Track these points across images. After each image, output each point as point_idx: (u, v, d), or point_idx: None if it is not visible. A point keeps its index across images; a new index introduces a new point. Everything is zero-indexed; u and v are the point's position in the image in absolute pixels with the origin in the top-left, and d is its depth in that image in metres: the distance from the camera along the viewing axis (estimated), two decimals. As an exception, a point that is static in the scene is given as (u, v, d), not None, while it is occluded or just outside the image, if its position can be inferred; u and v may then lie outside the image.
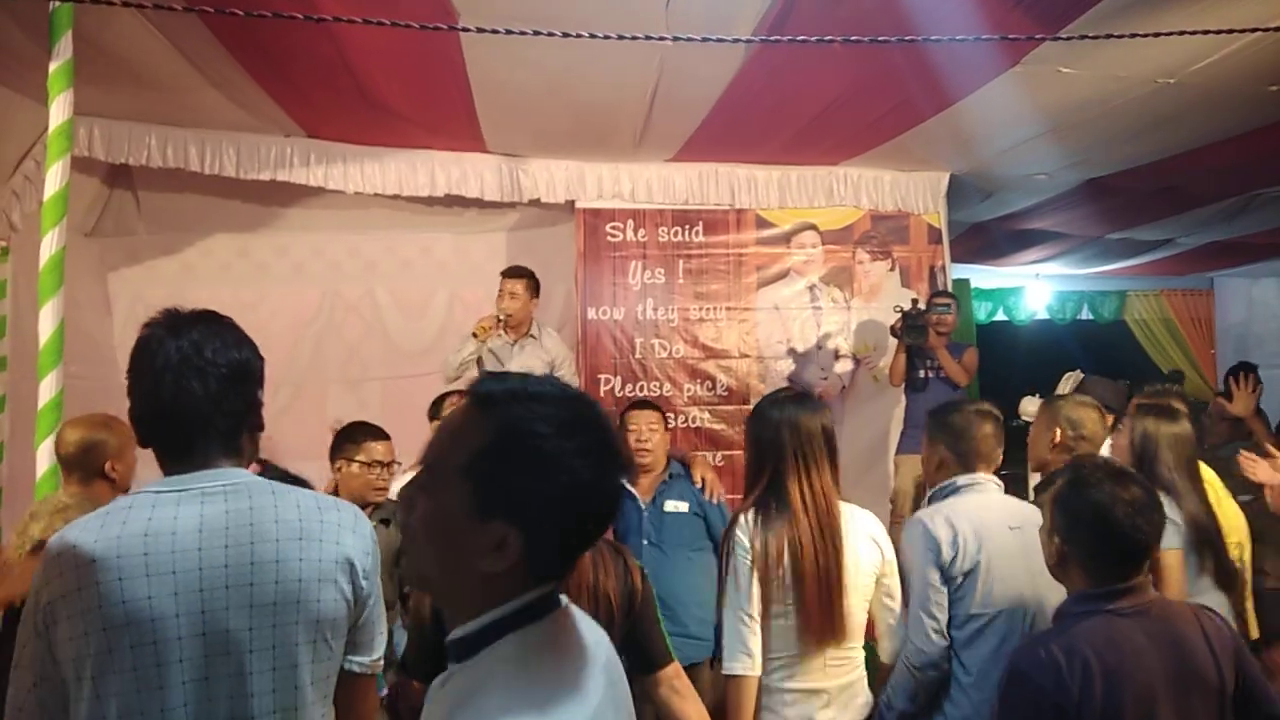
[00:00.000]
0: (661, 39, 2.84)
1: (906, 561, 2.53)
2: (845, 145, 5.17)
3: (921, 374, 5.17)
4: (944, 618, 2.43)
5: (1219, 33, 2.94)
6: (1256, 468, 3.29)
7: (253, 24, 3.05)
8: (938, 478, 2.70)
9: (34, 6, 2.86)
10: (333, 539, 1.49)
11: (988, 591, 2.42)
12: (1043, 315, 9.92)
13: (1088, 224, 6.79)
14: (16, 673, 1.37)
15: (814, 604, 2.31)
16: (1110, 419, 3.18)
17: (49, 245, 2.89)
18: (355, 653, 1.57)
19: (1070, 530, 1.89)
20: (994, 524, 2.49)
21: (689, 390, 5.50)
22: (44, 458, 2.94)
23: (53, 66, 2.87)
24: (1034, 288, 9.71)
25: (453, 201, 5.33)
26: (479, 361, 4.63)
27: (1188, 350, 9.60)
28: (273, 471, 2.12)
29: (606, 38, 2.54)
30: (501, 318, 4.58)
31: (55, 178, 2.91)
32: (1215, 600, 2.77)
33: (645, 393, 5.38)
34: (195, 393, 1.45)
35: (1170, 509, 2.68)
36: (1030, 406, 4.40)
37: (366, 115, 4.42)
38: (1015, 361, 8.78)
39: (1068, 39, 3.09)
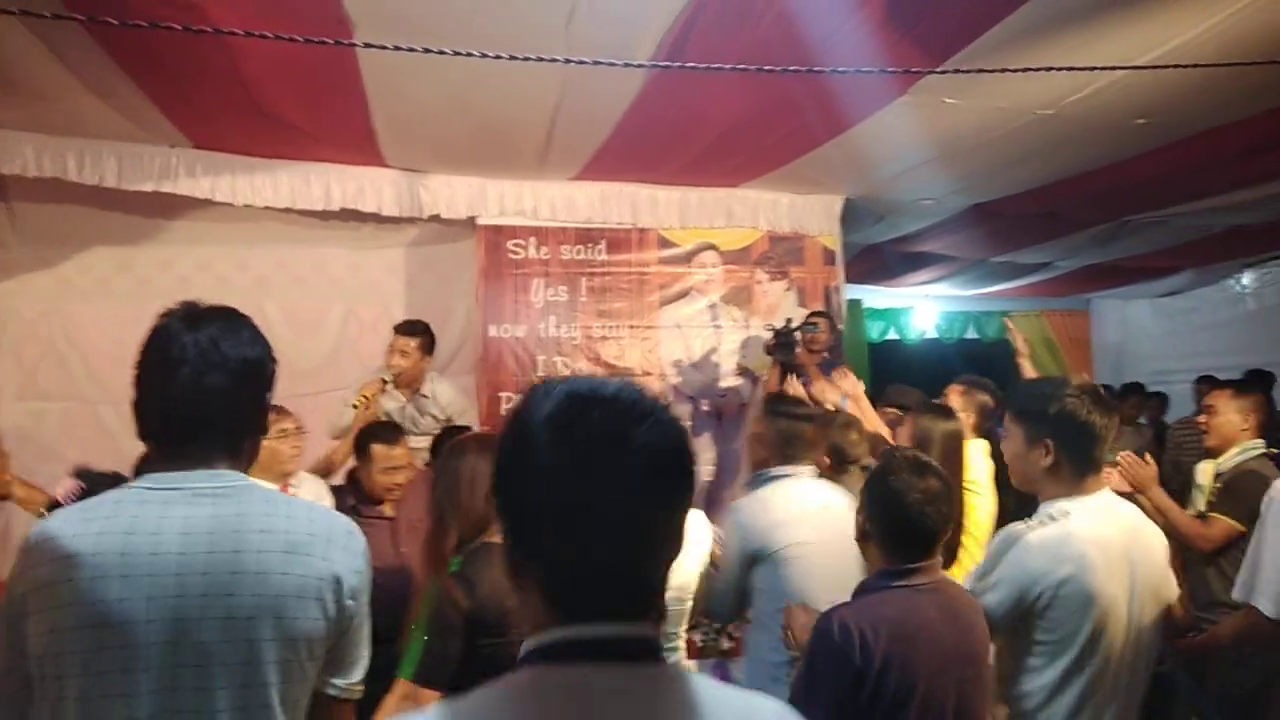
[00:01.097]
0: (554, 60, 2.84)
1: (724, 542, 2.83)
2: (744, 167, 5.27)
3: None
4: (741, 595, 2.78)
5: (1086, 69, 3.13)
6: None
7: (136, 29, 2.92)
8: (759, 465, 2.93)
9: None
10: (321, 554, 1.42)
11: (800, 562, 2.70)
12: (931, 334, 10.32)
13: (973, 247, 7.10)
14: None
15: None
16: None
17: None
18: (333, 674, 1.49)
19: (872, 511, 2.11)
20: (809, 505, 2.78)
21: (591, 408, 5.48)
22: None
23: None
24: (923, 308, 10.10)
25: (349, 216, 5.20)
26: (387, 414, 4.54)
27: (1065, 368, 10.12)
28: (89, 478, 2.02)
29: (499, 57, 2.53)
30: (388, 378, 4.49)
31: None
32: None
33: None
34: (207, 389, 1.40)
35: None
36: None
37: (258, 126, 4.28)
38: (906, 378, 9.07)
39: (949, 72, 3.23)
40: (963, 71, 3.12)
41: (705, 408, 5.69)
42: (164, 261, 5.35)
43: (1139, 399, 7.72)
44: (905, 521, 2.02)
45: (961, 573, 3.36)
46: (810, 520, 2.73)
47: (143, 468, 2.92)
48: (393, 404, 4.59)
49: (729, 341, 5.78)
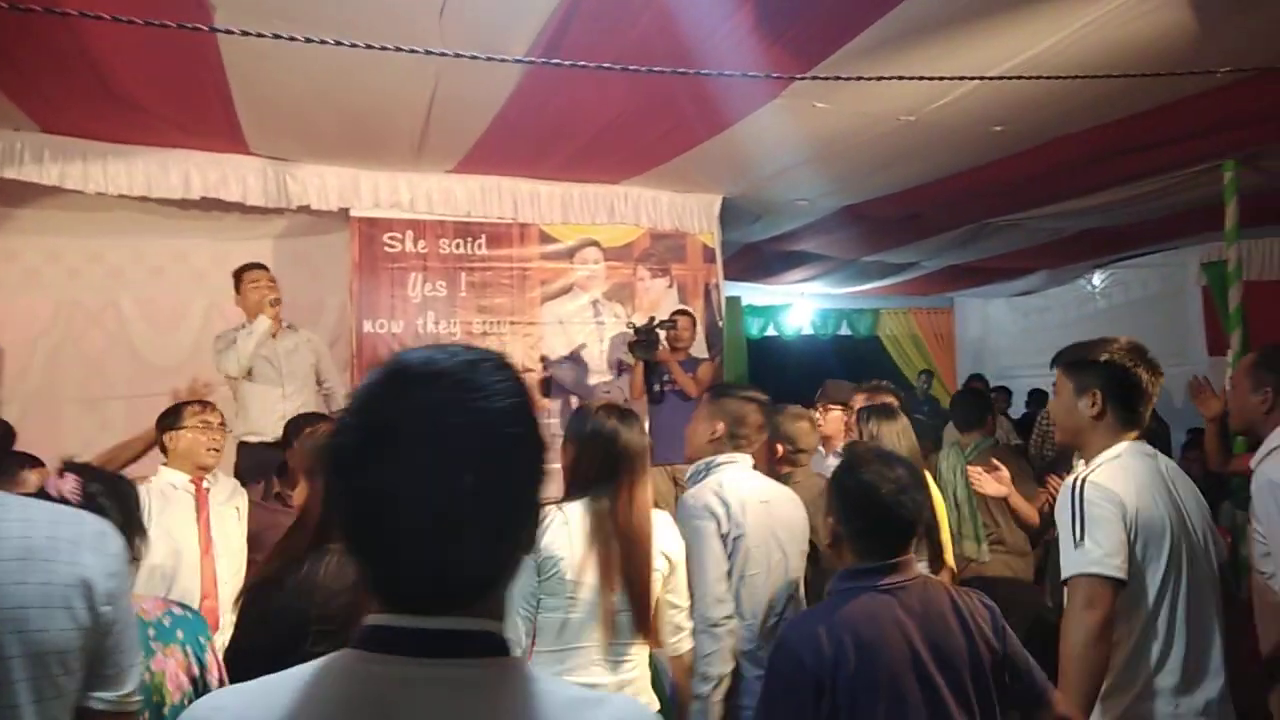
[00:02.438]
0: (415, 51, 2.78)
1: (690, 534, 2.68)
2: (625, 165, 5.30)
3: (657, 388, 5.43)
4: (729, 583, 2.67)
5: (940, 79, 3.27)
6: (983, 481, 3.74)
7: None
8: (707, 450, 2.88)
9: None
10: (67, 558, 1.31)
11: (751, 553, 2.69)
12: (808, 331, 10.64)
13: (845, 247, 7.35)
14: None
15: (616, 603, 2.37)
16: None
17: None
18: (97, 687, 1.37)
19: (843, 509, 2.04)
20: (752, 497, 2.76)
21: (471, 405, 5.41)
22: None
23: None
24: (800, 305, 10.40)
25: (211, 205, 4.96)
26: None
27: (931, 361, 10.61)
28: (88, 473, 1.85)
29: (355, 46, 2.46)
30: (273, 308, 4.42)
31: None
32: None
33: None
34: None
35: None
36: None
37: (110, 110, 4.03)
38: (784, 373, 9.34)
39: (810, 78, 3.32)
40: (822, 78, 3.23)
41: (578, 402, 5.69)
42: (8, 252, 5.01)
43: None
44: (880, 513, 1.95)
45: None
46: (753, 512, 2.71)
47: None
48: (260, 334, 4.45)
49: (609, 336, 5.80)
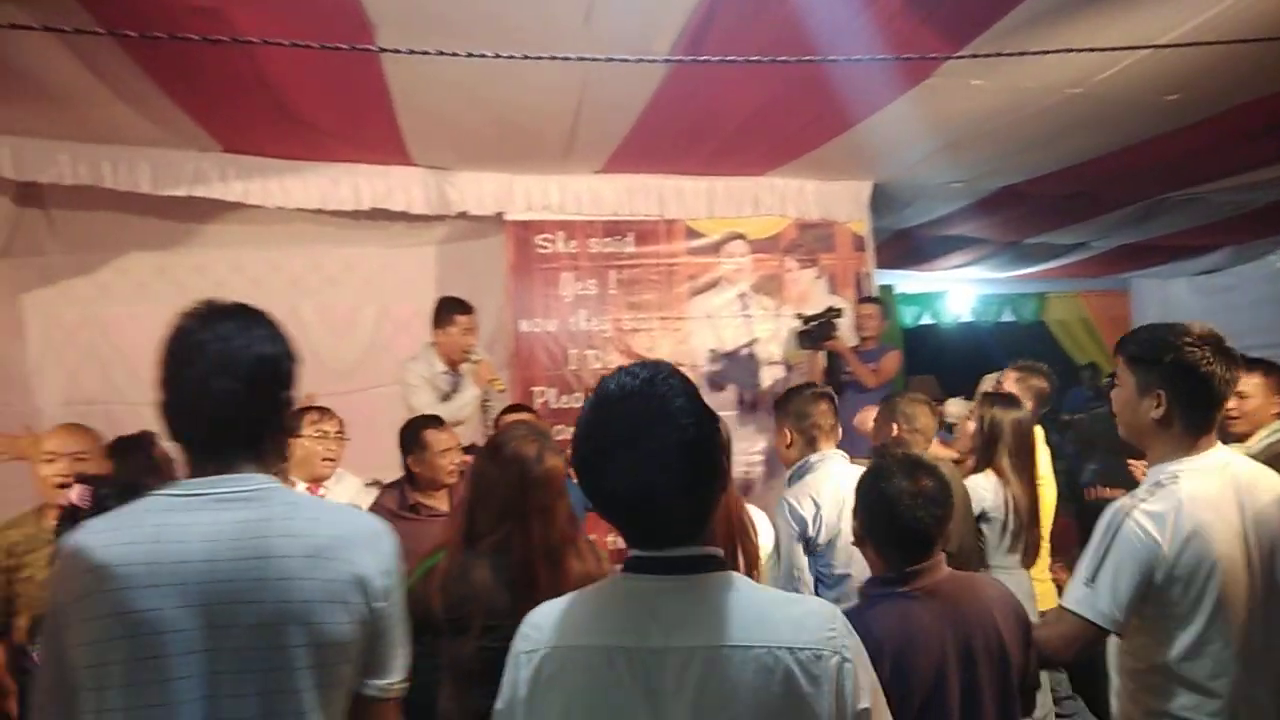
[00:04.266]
0: (567, 59, 2.84)
1: (778, 536, 2.80)
2: (769, 156, 5.24)
3: (841, 378, 5.32)
4: (809, 579, 2.79)
5: (1107, 50, 3.07)
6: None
7: (168, 43, 2.98)
8: (789, 456, 2.96)
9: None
10: (346, 556, 1.39)
11: (849, 552, 2.70)
12: (967, 318, 10.20)
13: (1006, 229, 7.00)
14: (39, 669, 1.34)
15: None
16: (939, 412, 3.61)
17: (-52, 269, 2.78)
18: (371, 676, 1.46)
19: (865, 515, 2.03)
20: (844, 493, 2.74)
21: (623, 400, 5.50)
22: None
23: (-51, 84, 2.77)
24: (958, 291, 9.98)
25: (379, 215, 5.25)
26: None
27: (1104, 348, 9.95)
28: (97, 481, 2.05)
29: (513, 57, 2.53)
30: (473, 355, 4.62)
31: (-47, 199, 2.80)
32: (1018, 576, 3.19)
33: (579, 404, 5.38)
34: (219, 391, 1.37)
35: (998, 489, 3.16)
36: (955, 408, 4.55)
37: (286, 129, 4.34)
38: (941, 363, 9.00)
39: (966, 58, 3.18)
40: (980, 56, 3.07)
41: (744, 398, 5.68)
42: (199, 265, 5.45)
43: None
44: (898, 525, 1.93)
45: (1042, 568, 3.39)
46: (848, 510, 2.72)
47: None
48: (444, 375, 4.64)
49: (760, 330, 5.77)
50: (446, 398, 4.56)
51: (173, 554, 1.32)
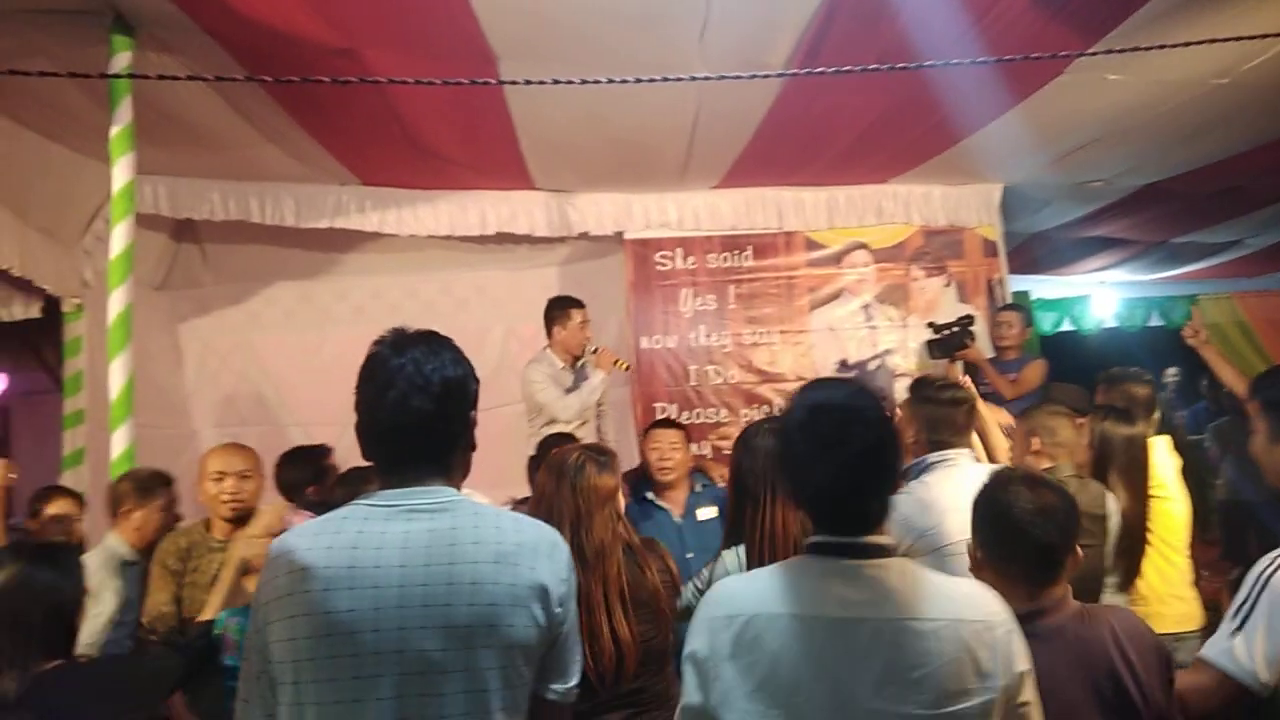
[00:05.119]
0: (680, 79, 2.86)
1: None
2: (892, 163, 5.13)
3: (981, 387, 5.08)
4: None
5: (1254, 38, 2.87)
6: None
7: (309, 85, 3.17)
8: (913, 451, 2.78)
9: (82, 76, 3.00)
10: (529, 564, 1.47)
11: (963, 560, 2.45)
12: (1111, 323, 9.64)
13: (1150, 229, 6.62)
14: (245, 660, 1.45)
15: None
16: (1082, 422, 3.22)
17: (116, 302, 3.03)
18: (551, 680, 1.53)
19: (982, 535, 1.89)
20: (964, 497, 2.51)
21: (745, 415, 5.47)
22: (119, 506, 3.06)
23: (113, 131, 3.02)
24: (1100, 295, 9.46)
25: (504, 239, 5.43)
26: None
27: (1264, 352, 9.23)
28: (320, 509, 2.16)
29: (625, 81, 2.57)
30: (590, 346, 4.69)
31: (120, 237, 3.05)
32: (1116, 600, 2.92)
33: (701, 420, 5.39)
34: (414, 411, 1.47)
35: (1111, 505, 2.89)
36: None
37: (416, 160, 4.54)
38: (1085, 371, 8.55)
39: (1100, 54, 3.03)
40: (1116, 52, 2.92)
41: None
42: (340, 292, 5.75)
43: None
44: (1019, 542, 1.80)
45: (1147, 588, 3.13)
46: (964, 516, 2.58)
47: (342, 483, 3.16)
48: (566, 371, 4.72)
49: (887, 341, 5.63)
50: (571, 391, 4.64)
51: (370, 559, 1.41)
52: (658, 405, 5.44)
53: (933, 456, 2.72)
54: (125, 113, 3.06)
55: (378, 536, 1.43)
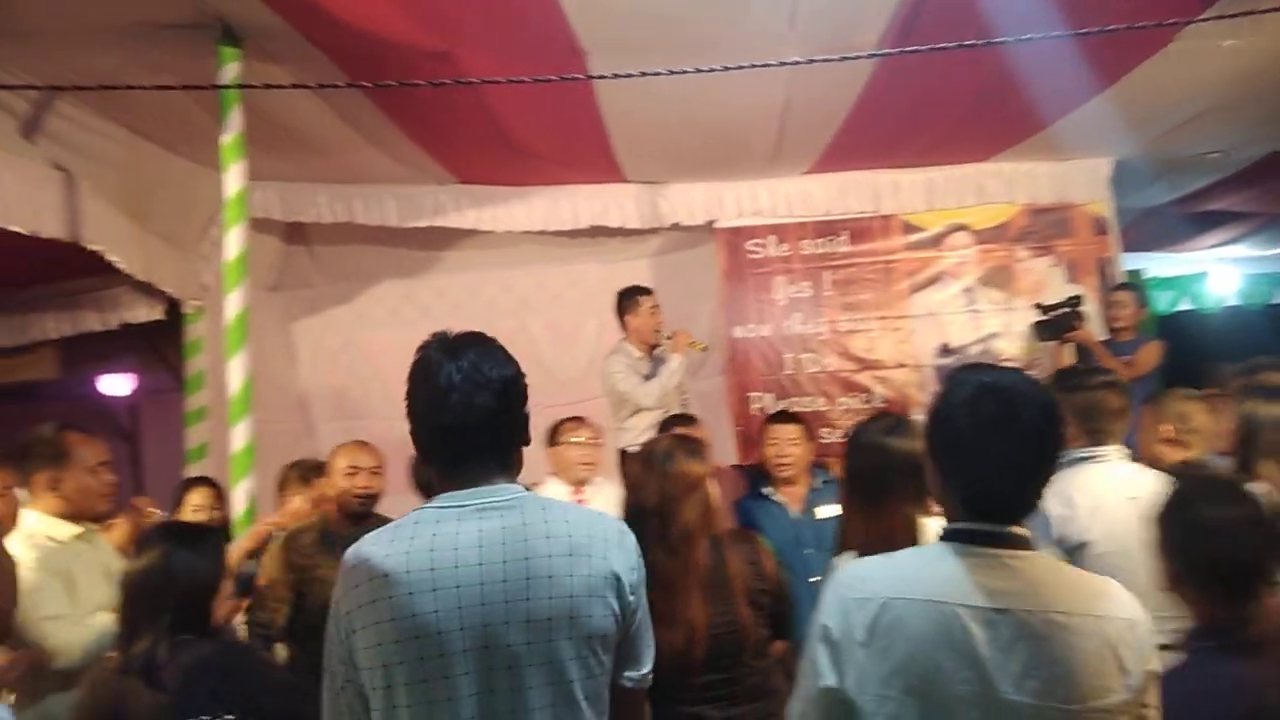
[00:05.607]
0: (773, 65, 2.83)
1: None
2: (993, 140, 4.97)
3: None
4: None
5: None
6: None
7: (406, 88, 3.27)
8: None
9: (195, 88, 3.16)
10: (600, 554, 1.49)
11: (1101, 561, 2.35)
12: (1232, 302, 9.12)
13: (1273, 201, 6.24)
14: (327, 673, 1.48)
15: None
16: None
17: (233, 304, 3.19)
18: (626, 667, 1.56)
19: (1175, 549, 1.75)
20: (1112, 495, 2.41)
21: (844, 404, 5.40)
22: (241, 499, 3.23)
23: (225, 140, 3.17)
24: (1220, 272, 8.95)
25: (596, 232, 5.48)
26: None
27: None
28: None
29: (712, 70, 2.55)
30: (664, 331, 4.67)
31: (234, 242, 3.20)
32: None
33: (797, 408, 5.32)
34: (476, 411, 1.48)
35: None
36: None
37: (510, 158, 4.63)
38: (1206, 352, 8.11)
39: (1211, 20, 2.86)
40: (1229, 16, 2.75)
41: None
42: (440, 289, 5.91)
43: None
44: (1224, 560, 1.67)
45: None
46: (1112, 515, 2.40)
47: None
48: (643, 360, 4.70)
49: (992, 325, 5.46)
50: (650, 378, 4.61)
51: (449, 559, 1.44)
52: (752, 394, 5.41)
53: (1082, 451, 2.56)
54: (235, 121, 3.21)
55: (452, 537, 1.45)
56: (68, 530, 2.58)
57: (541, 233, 5.40)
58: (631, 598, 1.52)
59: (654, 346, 4.73)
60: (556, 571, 1.45)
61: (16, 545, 2.47)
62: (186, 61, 3.19)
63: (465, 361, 1.51)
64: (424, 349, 1.56)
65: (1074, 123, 4.55)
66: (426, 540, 1.45)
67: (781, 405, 5.32)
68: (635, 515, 2.27)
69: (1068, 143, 4.97)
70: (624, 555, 1.53)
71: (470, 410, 1.48)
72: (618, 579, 1.50)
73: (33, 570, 2.39)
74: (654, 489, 2.30)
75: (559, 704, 1.42)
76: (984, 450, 1.41)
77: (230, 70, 3.17)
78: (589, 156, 4.70)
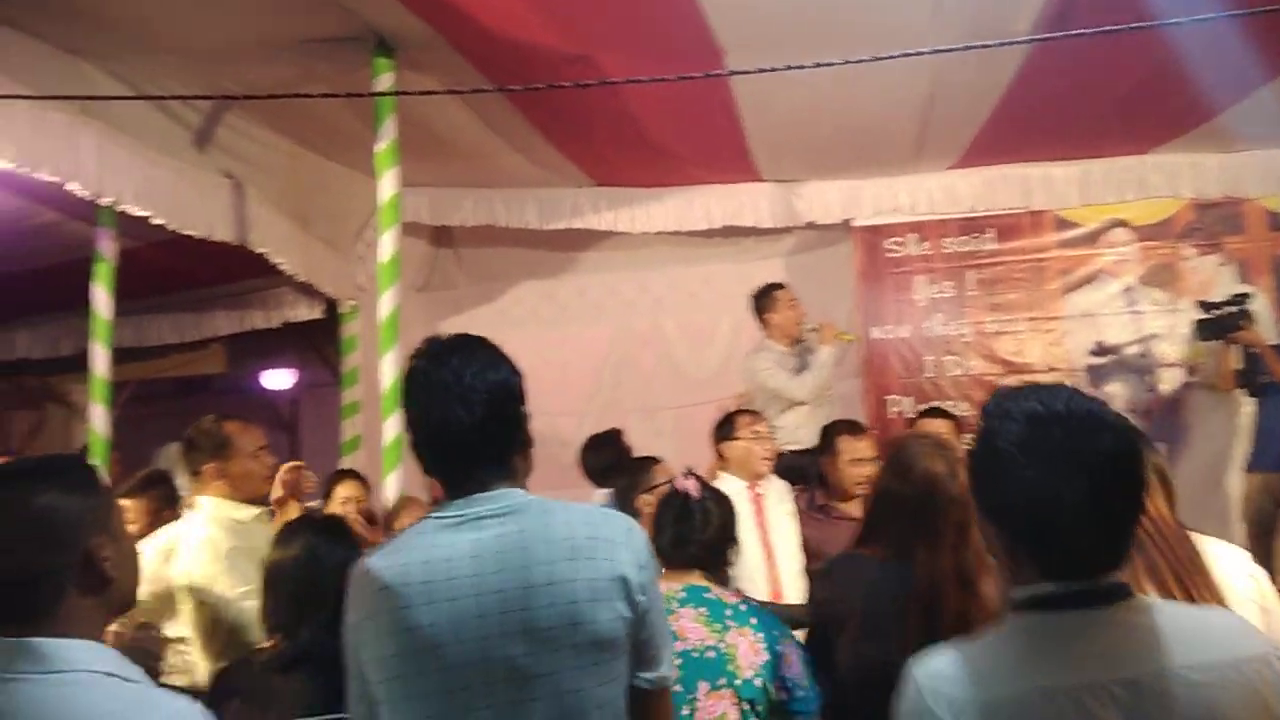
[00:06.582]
0: (925, 53, 2.74)
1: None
2: (1156, 131, 4.68)
3: (1261, 377, 4.49)
4: None
5: None
6: None
7: (547, 92, 3.36)
8: None
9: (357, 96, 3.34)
10: (605, 555, 1.44)
11: None
12: None
13: None
14: (350, 684, 1.48)
15: None
16: None
17: (386, 304, 3.35)
18: (642, 669, 1.51)
19: None
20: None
21: (989, 408, 5.18)
22: (392, 488, 3.39)
23: (379, 147, 3.34)
24: None
25: (730, 232, 5.47)
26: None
27: None
28: (702, 481, 2.33)
29: (860, 61, 2.50)
30: (807, 324, 4.60)
31: (388, 245, 3.37)
32: None
33: (940, 412, 5.16)
34: (461, 419, 1.44)
35: None
36: None
37: (647, 159, 4.68)
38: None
39: None
40: None
41: (1136, 406, 5.05)
42: (579, 289, 6.03)
43: None
44: None
45: None
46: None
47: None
48: (789, 355, 4.61)
49: (1153, 327, 5.13)
50: (799, 373, 4.53)
51: (442, 572, 1.40)
52: (890, 398, 5.27)
53: None
54: (389, 129, 3.37)
55: (447, 549, 1.41)
56: (246, 512, 2.75)
57: (676, 233, 5.43)
58: (641, 598, 1.46)
59: (796, 340, 4.65)
60: (557, 577, 1.40)
61: (204, 527, 2.67)
62: (344, 73, 3.37)
63: (446, 370, 1.47)
64: (413, 357, 1.53)
65: (1246, 111, 4.22)
66: (421, 552, 1.43)
67: (921, 408, 5.16)
68: (906, 539, 2.04)
69: (1239, 133, 4.62)
70: (632, 554, 1.47)
71: (449, 421, 1.44)
72: (624, 580, 1.43)
73: (226, 549, 2.55)
74: (938, 512, 2.01)
75: (571, 712, 1.38)
76: (1056, 497, 1.13)
77: (384, 80, 3.33)
78: (725, 155, 4.70)
